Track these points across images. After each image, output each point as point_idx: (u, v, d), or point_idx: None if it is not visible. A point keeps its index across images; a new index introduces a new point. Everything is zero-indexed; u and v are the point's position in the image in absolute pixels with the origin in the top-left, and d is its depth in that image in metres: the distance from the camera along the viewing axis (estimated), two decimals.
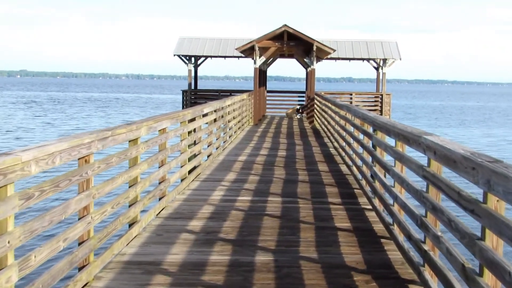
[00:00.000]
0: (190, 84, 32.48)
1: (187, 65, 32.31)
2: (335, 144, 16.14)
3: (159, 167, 8.34)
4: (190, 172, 10.70)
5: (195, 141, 11.49)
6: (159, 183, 8.36)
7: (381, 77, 32.62)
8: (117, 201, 6.03)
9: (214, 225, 7.42)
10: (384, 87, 31.96)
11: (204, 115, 12.72)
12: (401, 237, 6.39)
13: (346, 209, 8.49)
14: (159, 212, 8.01)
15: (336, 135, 16.11)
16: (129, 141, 6.80)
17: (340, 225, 7.54)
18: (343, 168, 12.69)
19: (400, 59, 31.48)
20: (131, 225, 6.79)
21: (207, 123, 13.20)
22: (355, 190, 10.03)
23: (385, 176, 7.74)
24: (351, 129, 12.51)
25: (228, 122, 17.71)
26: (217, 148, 14.52)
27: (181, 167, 9.98)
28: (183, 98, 32.21)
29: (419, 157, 5.85)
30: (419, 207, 5.68)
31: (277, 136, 19.92)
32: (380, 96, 31.86)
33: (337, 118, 15.92)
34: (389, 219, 7.22)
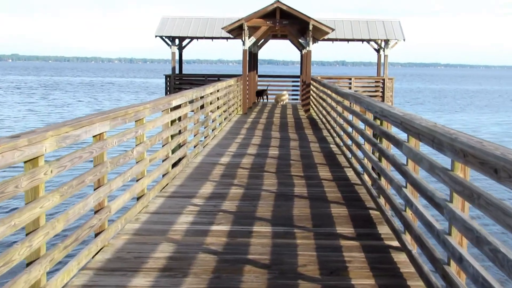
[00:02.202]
0: (174, 68, 29.67)
1: (170, 47, 29.39)
2: (337, 139, 13.56)
3: (94, 190, 5.75)
4: (159, 184, 8.13)
5: (160, 144, 8.90)
6: (95, 212, 5.78)
7: (382, 60, 29.91)
8: None
9: (167, 285, 4.85)
10: (386, 71, 29.24)
11: (176, 108, 10.13)
12: None
13: (364, 248, 5.91)
14: (94, 256, 5.45)
15: (338, 129, 13.53)
16: (25, 163, 4.21)
17: (359, 282, 4.96)
18: (350, 174, 10.10)
19: (404, 39, 28.70)
20: None
21: (180, 117, 10.61)
22: (371, 211, 7.45)
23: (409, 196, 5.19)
24: (360, 124, 9.97)
25: (211, 112, 15.10)
26: (195, 147, 11.93)
27: (137, 181, 7.40)
28: (166, 83, 29.38)
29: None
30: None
31: (269, 128, 17.32)
32: (382, 81, 29.18)
33: (339, 108, 13.34)
34: (435, 276, 4.68)
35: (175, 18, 30.18)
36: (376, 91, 29.43)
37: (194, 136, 12.03)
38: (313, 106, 22.84)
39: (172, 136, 9.49)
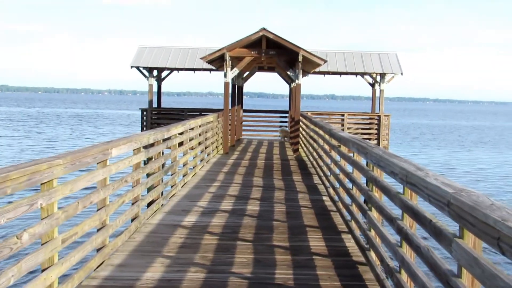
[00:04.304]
0: (151, 101, 27.23)
1: (147, 79, 26.98)
2: (331, 191, 11.21)
3: None
4: (85, 266, 5.71)
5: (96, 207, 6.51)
6: None
7: (377, 95, 27.64)
8: None
9: None
10: (382, 107, 26.95)
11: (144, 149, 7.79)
12: None
13: None
14: None
15: (332, 178, 11.20)
16: None
17: None
18: (350, 244, 7.70)
19: (402, 73, 26.53)
20: None
21: (135, 165, 8.24)
22: None
23: None
24: (359, 177, 7.67)
25: (183, 154, 12.79)
26: (152, 203, 9.52)
27: (43, 271, 4.99)
28: (142, 118, 26.88)
29: None
30: None
31: (251, 172, 14.94)
32: (377, 117, 26.90)
33: (333, 154, 11.05)
34: None
35: (153, 47, 27.82)
36: (370, 128, 27.16)
37: (153, 187, 9.64)
38: (302, 145, 20.53)
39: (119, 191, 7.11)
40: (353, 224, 8.18)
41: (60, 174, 5.19)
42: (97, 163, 6.52)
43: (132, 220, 8.14)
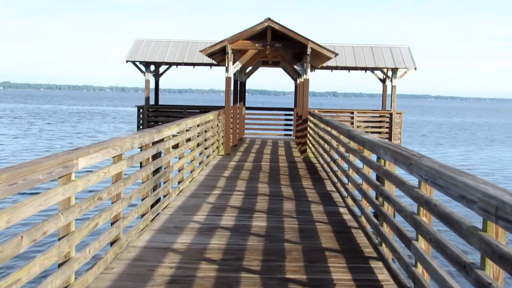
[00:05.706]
0: (148, 98, 25.55)
1: (144, 74, 25.33)
2: (350, 202, 9.62)
3: None
4: None
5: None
6: None
7: (388, 91, 25.99)
8: None
9: None
10: (394, 104, 25.29)
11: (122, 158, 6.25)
12: None
13: None
14: None
15: (350, 186, 9.63)
16: None
17: None
18: (383, 277, 6.11)
19: (415, 68, 24.91)
20: None
21: (119, 173, 6.67)
22: None
23: None
24: (392, 191, 6.12)
25: (178, 158, 11.25)
26: (143, 214, 7.97)
27: None
28: (138, 116, 25.23)
29: None
30: None
31: (255, 177, 13.36)
32: (389, 115, 25.23)
33: (352, 158, 9.49)
34: None
35: (151, 41, 26.12)
36: (380, 126, 25.53)
37: (142, 200, 8.09)
38: (311, 146, 18.94)
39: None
40: (384, 249, 6.62)
41: None
42: (58, 178, 4.95)
43: (111, 244, 6.57)
